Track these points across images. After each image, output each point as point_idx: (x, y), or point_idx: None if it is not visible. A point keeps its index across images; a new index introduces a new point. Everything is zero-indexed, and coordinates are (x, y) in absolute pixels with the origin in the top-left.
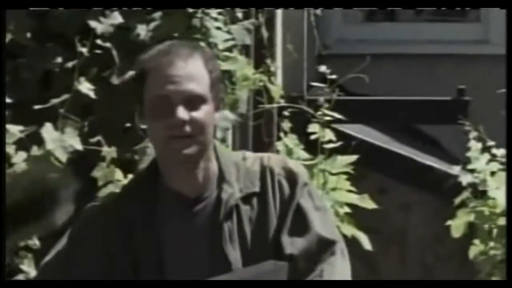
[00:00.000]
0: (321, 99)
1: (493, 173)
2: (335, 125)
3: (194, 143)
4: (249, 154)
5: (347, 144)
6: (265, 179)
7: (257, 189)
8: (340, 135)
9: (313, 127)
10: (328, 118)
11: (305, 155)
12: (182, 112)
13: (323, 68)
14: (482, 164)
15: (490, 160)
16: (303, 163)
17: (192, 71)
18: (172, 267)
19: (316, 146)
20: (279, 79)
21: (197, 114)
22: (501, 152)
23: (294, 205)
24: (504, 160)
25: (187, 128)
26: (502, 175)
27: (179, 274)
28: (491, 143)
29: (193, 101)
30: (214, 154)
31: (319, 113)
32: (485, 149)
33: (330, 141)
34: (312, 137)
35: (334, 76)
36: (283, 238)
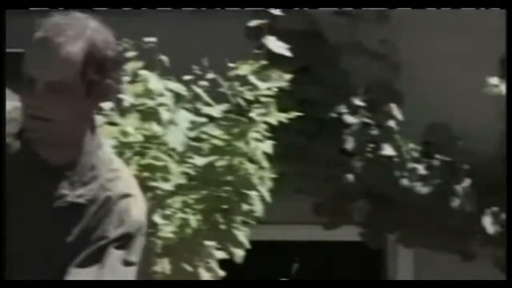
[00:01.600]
0: None
1: None
2: None
3: (46, 127)
4: (120, 167)
5: None
6: (102, 202)
7: (84, 202)
8: None
9: None
10: None
11: None
12: (40, 96)
13: None
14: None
15: None
16: None
17: (63, 57)
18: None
19: None
20: None
21: (56, 100)
22: None
23: (101, 240)
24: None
25: (41, 113)
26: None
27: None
28: None
29: (55, 88)
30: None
31: None
32: None
33: None
34: None
35: None
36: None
